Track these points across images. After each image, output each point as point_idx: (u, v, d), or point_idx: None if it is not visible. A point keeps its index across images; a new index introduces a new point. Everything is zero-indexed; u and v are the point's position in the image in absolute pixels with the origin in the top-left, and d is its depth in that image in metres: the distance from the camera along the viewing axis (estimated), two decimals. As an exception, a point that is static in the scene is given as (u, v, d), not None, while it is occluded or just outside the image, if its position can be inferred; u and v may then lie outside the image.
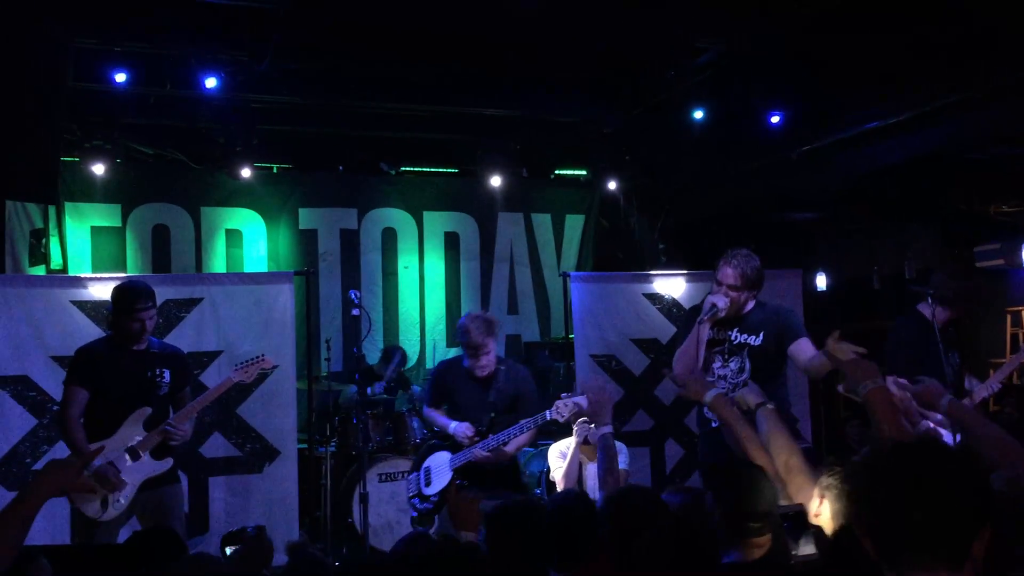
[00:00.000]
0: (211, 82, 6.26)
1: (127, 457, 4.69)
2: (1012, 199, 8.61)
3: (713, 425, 4.43)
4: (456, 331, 5.62)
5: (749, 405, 3.65)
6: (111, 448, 4.64)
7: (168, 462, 4.78)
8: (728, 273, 4.59)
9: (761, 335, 4.66)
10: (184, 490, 6.20)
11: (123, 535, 4.84)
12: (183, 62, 6.24)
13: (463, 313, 8.83)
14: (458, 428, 5.31)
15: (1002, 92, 6.27)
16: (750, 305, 4.68)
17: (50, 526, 5.99)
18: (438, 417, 5.52)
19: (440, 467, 5.42)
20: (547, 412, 5.15)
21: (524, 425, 5.17)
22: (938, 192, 8.37)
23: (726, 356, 4.69)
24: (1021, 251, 8.91)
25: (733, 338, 4.68)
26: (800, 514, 2.64)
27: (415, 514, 5.50)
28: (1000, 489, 2.61)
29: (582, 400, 5.04)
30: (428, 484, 5.46)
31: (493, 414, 5.24)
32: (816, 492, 2.83)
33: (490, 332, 5.25)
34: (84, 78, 6.34)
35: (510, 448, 5.28)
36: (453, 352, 8.87)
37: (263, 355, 5.24)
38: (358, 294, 6.08)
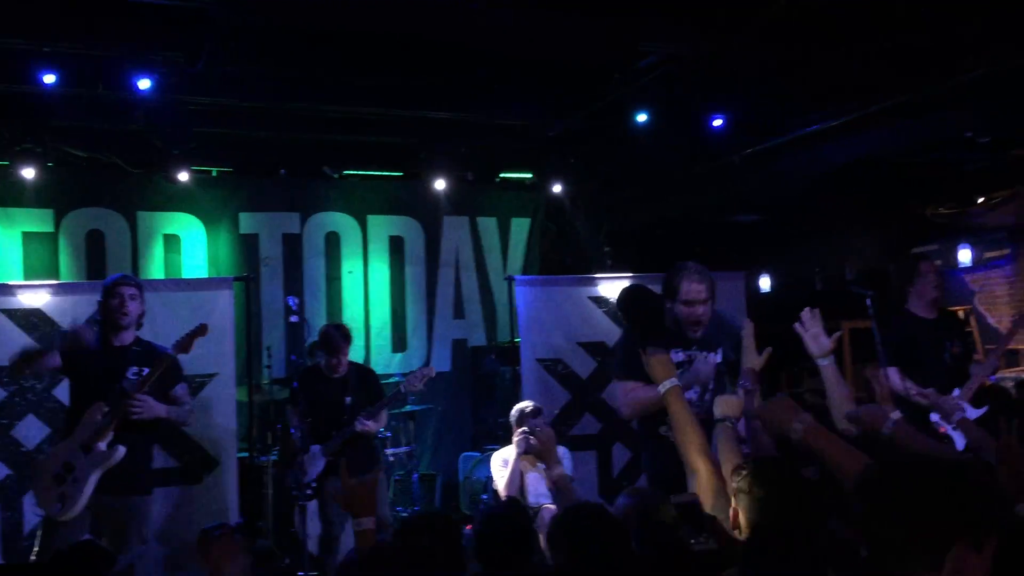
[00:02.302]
0: (144, 83, 6.08)
1: (81, 453, 4.57)
2: (949, 201, 8.78)
3: (661, 431, 4.23)
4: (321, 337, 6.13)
5: (723, 414, 3.53)
6: (68, 447, 4.57)
7: (120, 450, 4.62)
8: (699, 289, 4.37)
9: (719, 351, 4.50)
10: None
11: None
12: (115, 63, 6.04)
13: (408, 318, 8.85)
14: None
15: (938, 99, 6.39)
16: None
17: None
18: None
19: (312, 458, 5.93)
20: (400, 385, 6.13)
21: (382, 402, 6.02)
22: (877, 195, 8.49)
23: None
24: (958, 252, 9.11)
25: (694, 358, 4.41)
26: (695, 504, 2.62)
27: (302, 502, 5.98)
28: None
29: (429, 370, 6.22)
30: (305, 474, 5.89)
31: (349, 399, 5.94)
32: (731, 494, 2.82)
33: (347, 340, 6.09)
34: (11, 79, 6.12)
35: (380, 419, 6.06)
36: (399, 358, 8.80)
37: (199, 324, 5.04)
38: (296, 300, 5.98)
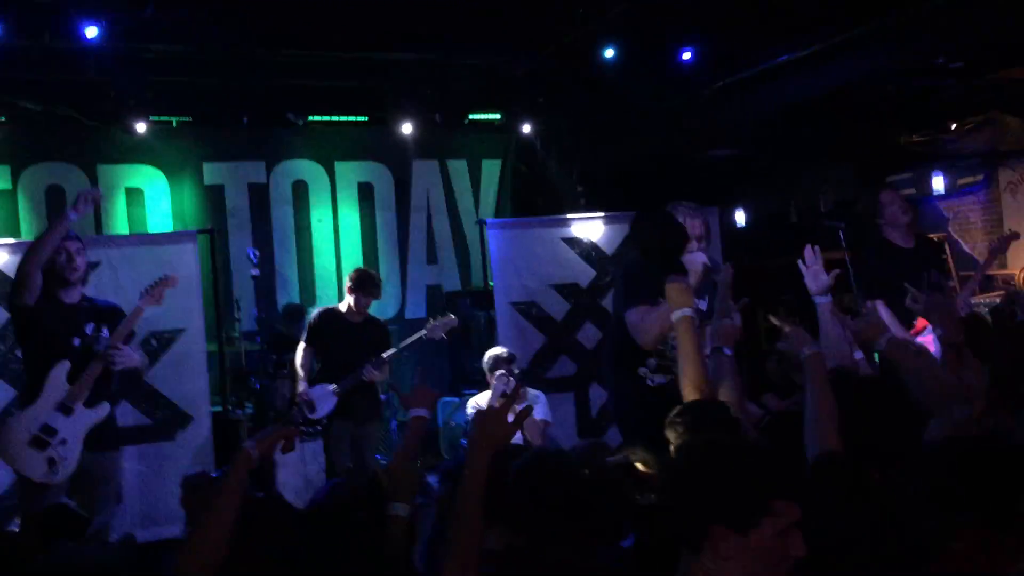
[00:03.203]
0: (92, 31, 5.85)
1: (59, 414, 4.46)
2: (922, 129, 8.71)
3: (650, 383, 4.08)
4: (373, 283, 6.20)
5: (718, 341, 3.51)
6: (41, 409, 4.44)
7: (104, 407, 4.55)
8: (692, 224, 4.34)
9: (706, 299, 4.36)
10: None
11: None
12: (61, 10, 5.81)
13: (380, 266, 8.74)
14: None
15: (909, 26, 6.28)
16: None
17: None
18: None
19: (323, 396, 6.03)
20: (423, 335, 6.21)
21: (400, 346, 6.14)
22: (851, 125, 8.41)
23: None
24: (931, 179, 9.07)
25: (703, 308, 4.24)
26: (629, 465, 2.59)
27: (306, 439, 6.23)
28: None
29: (452, 320, 6.28)
30: (312, 411, 6.04)
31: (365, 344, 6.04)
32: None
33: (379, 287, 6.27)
34: (-48, 30, 5.89)
35: (384, 371, 6.09)
36: (373, 305, 8.64)
37: (165, 274, 4.93)
38: (257, 252, 5.85)
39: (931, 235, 8.37)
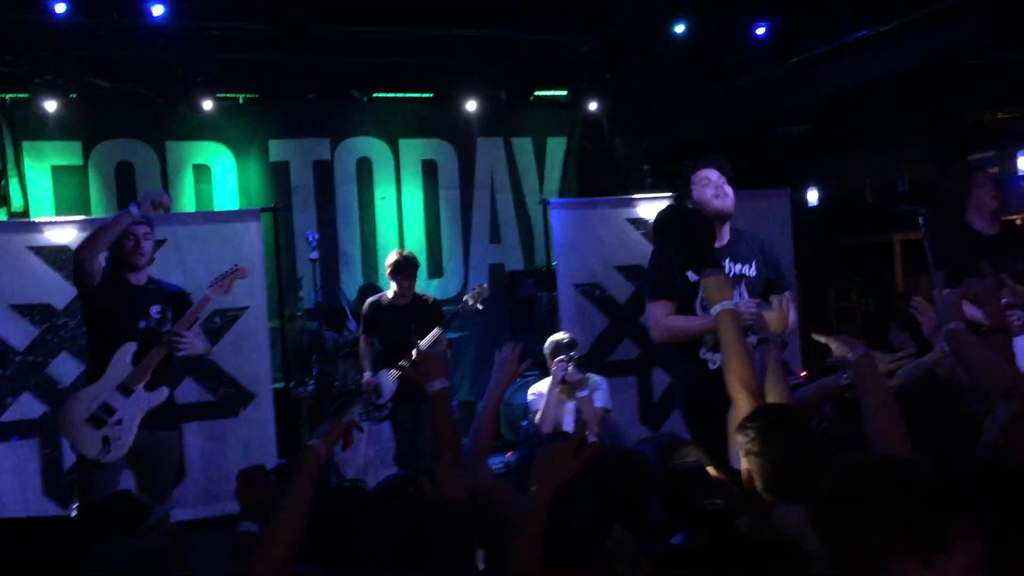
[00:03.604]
0: (158, 9, 5.87)
1: (119, 394, 4.49)
2: (1007, 106, 8.33)
3: (711, 367, 3.99)
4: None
5: (767, 330, 3.37)
6: (103, 388, 4.47)
7: (163, 392, 4.57)
8: (709, 170, 4.18)
9: (753, 265, 4.23)
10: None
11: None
12: (128, -11, 5.85)
13: (443, 244, 8.70)
14: None
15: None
16: (727, 233, 4.30)
17: (19, 479, 5.91)
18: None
19: (386, 381, 6.17)
20: (458, 308, 6.32)
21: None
22: (931, 101, 8.07)
23: None
24: (1017, 158, 8.67)
25: (728, 270, 4.10)
26: (699, 470, 2.47)
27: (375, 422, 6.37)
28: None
29: (484, 289, 6.32)
30: (379, 396, 6.17)
31: (415, 325, 6.05)
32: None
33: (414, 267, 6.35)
34: (23, 9, 5.96)
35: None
36: (435, 284, 8.67)
37: (236, 265, 4.92)
38: (315, 235, 5.82)
39: (1014, 216, 8.04)
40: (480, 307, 6.34)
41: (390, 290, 6.29)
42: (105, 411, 4.46)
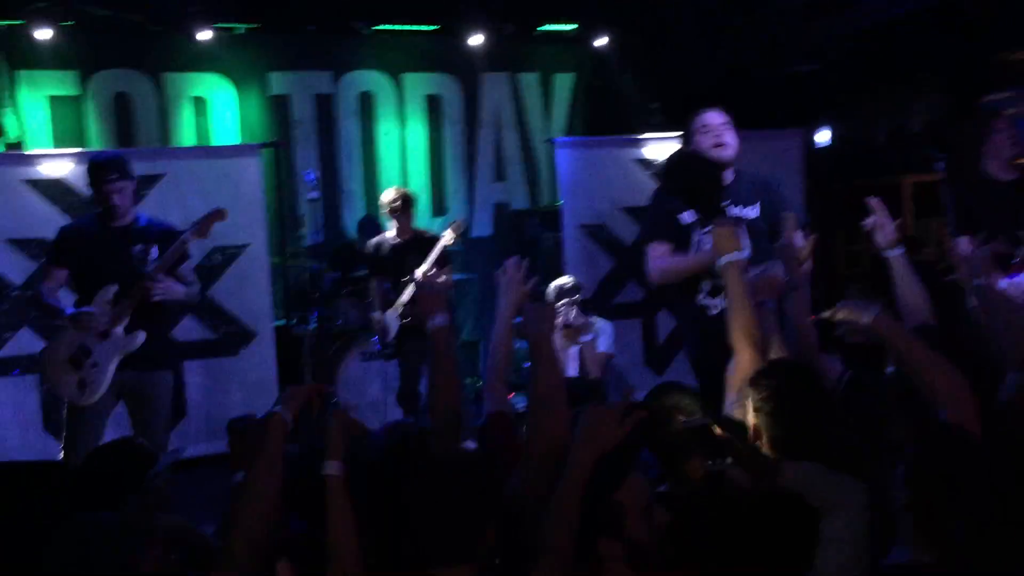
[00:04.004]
0: (153, -65, 5.68)
1: (96, 337, 4.43)
2: (1024, 45, 8.12)
3: (711, 312, 3.98)
4: None
5: (760, 295, 3.29)
6: (82, 331, 4.42)
7: (139, 335, 4.49)
8: (712, 114, 4.12)
9: (757, 206, 4.15)
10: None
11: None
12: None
13: (447, 182, 8.56)
14: None
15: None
16: (728, 175, 4.15)
17: (19, 414, 5.89)
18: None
19: (392, 319, 6.22)
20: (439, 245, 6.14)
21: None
22: (946, 40, 7.86)
23: None
24: (1034, 100, 8.48)
25: (731, 211, 4.01)
26: (705, 428, 2.41)
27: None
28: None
29: (458, 224, 6.32)
30: (386, 336, 6.26)
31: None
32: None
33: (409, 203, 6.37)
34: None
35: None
36: (439, 222, 8.54)
37: (217, 208, 4.84)
38: (314, 175, 5.70)
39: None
40: (457, 240, 6.30)
41: (390, 229, 6.18)
42: (83, 353, 4.42)
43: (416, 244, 6.23)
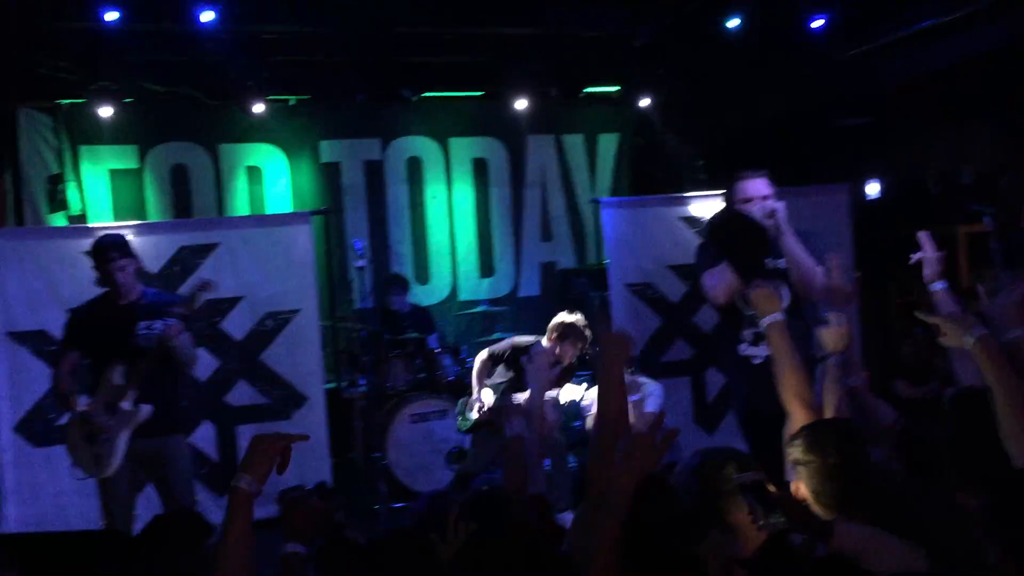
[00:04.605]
0: (207, 15, 5.91)
1: (106, 412, 4.56)
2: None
3: (755, 362, 4.04)
4: None
5: (823, 348, 3.28)
6: (95, 407, 4.57)
7: (144, 408, 4.58)
8: (760, 184, 4.22)
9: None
10: (211, 438, 6.14)
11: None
12: (178, -5, 5.90)
13: (494, 243, 8.64)
14: None
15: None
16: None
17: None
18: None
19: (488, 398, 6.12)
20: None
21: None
22: (995, 89, 7.80)
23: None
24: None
25: (767, 264, 4.19)
26: (759, 483, 2.38)
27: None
28: None
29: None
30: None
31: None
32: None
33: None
34: (75, 17, 6.04)
35: None
36: (487, 283, 8.63)
37: (204, 279, 4.87)
38: (362, 244, 5.80)
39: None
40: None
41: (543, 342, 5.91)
42: (96, 429, 4.55)
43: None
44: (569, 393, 6.02)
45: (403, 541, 2.48)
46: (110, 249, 4.71)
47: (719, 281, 4.11)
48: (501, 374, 6.10)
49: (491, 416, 5.88)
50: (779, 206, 4.12)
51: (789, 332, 3.14)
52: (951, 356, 3.65)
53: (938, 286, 3.69)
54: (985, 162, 8.55)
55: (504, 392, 5.94)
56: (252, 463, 2.25)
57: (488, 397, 6.08)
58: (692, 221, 7.00)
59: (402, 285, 7.68)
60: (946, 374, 5.09)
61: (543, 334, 8.27)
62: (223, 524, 2.22)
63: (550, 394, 5.34)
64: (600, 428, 2.53)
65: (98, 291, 4.91)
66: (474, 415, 6.12)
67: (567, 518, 3.13)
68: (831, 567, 2.14)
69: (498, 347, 6.23)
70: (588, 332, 5.75)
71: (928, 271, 3.73)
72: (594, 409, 5.37)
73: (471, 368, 7.24)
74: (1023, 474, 2.22)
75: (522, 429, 2.97)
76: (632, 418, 5.02)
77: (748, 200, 4.20)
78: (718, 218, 3.95)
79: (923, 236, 3.78)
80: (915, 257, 3.78)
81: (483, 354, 6.22)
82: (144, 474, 4.75)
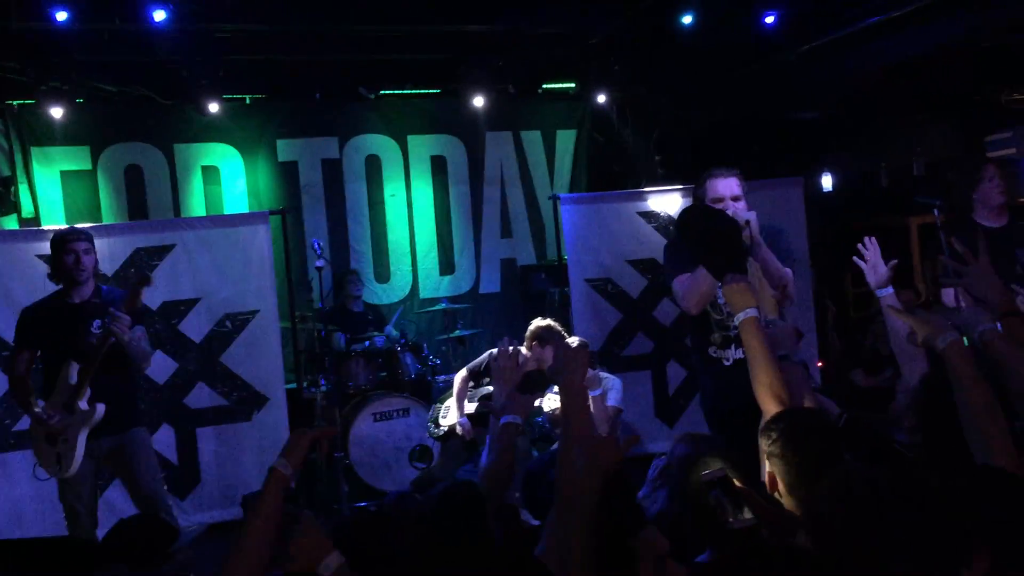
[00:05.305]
0: (159, 15, 5.83)
1: (63, 413, 4.54)
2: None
3: (726, 363, 4.00)
4: None
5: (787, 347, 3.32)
6: (53, 407, 4.56)
7: (100, 408, 4.55)
8: (731, 183, 4.12)
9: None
10: (171, 441, 6.10)
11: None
12: (129, -7, 5.82)
13: (454, 239, 8.64)
14: None
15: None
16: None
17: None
18: None
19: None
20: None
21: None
22: (946, 83, 7.95)
23: None
24: (1034, 140, 8.54)
25: (748, 266, 4.02)
26: (724, 480, 2.40)
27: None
28: None
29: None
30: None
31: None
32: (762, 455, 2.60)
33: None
34: (25, 17, 5.93)
35: None
36: (447, 280, 8.62)
37: (143, 274, 4.97)
38: (320, 244, 5.76)
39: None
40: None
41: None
42: (54, 430, 4.53)
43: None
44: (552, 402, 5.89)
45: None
46: (77, 233, 4.71)
47: (693, 291, 3.95)
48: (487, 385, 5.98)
49: (484, 407, 5.80)
50: (752, 216, 3.98)
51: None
52: (896, 351, 3.67)
53: (883, 292, 3.59)
54: (936, 155, 8.73)
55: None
56: (289, 450, 2.40)
57: (458, 416, 5.98)
58: (650, 216, 7.07)
59: (356, 284, 7.72)
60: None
61: (504, 331, 8.29)
62: (257, 498, 2.35)
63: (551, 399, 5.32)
64: (565, 439, 2.52)
65: (51, 291, 4.85)
66: (446, 424, 6.06)
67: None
68: (801, 560, 2.16)
69: (476, 362, 6.09)
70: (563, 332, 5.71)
71: (872, 278, 3.63)
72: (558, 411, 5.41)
73: (433, 366, 7.27)
74: (987, 469, 2.26)
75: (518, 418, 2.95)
76: (593, 411, 5.09)
77: (719, 200, 4.11)
78: (690, 216, 3.85)
79: (868, 242, 3.66)
80: (857, 261, 3.68)
81: (462, 372, 6.06)
82: (108, 471, 4.75)
